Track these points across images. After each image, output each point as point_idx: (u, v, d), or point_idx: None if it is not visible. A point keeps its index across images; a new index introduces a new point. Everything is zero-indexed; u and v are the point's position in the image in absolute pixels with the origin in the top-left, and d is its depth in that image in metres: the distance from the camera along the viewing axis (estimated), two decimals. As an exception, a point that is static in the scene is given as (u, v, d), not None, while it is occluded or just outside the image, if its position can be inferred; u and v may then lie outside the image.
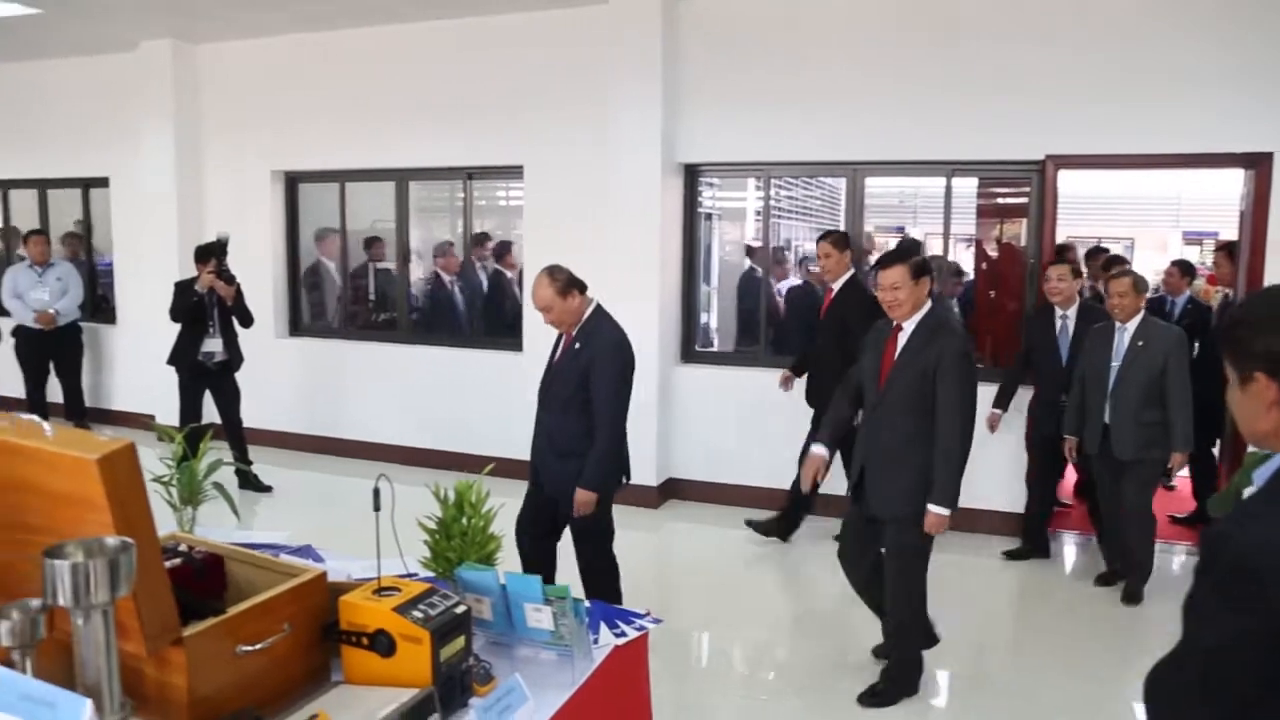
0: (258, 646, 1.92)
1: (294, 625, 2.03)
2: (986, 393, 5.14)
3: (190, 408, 6.60)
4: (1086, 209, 13.34)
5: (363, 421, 7.71)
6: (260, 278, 7.83)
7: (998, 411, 5.76)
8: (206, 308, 6.50)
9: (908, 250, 3.87)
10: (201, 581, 2.18)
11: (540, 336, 6.13)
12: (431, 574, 2.49)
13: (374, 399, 7.69)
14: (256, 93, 7.80)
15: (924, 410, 3.65)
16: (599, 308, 4.09)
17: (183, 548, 2.27)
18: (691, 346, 6.84)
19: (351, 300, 8.35)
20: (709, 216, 7.32)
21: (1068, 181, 6.64)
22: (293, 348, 8.01)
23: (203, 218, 8.12)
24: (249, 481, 6.71)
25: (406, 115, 7.23)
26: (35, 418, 1.69)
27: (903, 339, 3.73)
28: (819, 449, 3.89)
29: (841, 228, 6.44)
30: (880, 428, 3.77)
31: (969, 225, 7.38)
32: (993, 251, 7.06)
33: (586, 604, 2.42)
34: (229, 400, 6.74)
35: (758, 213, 9.87)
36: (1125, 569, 5.16)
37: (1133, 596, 5.02)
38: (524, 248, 7.08)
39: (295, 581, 2.06)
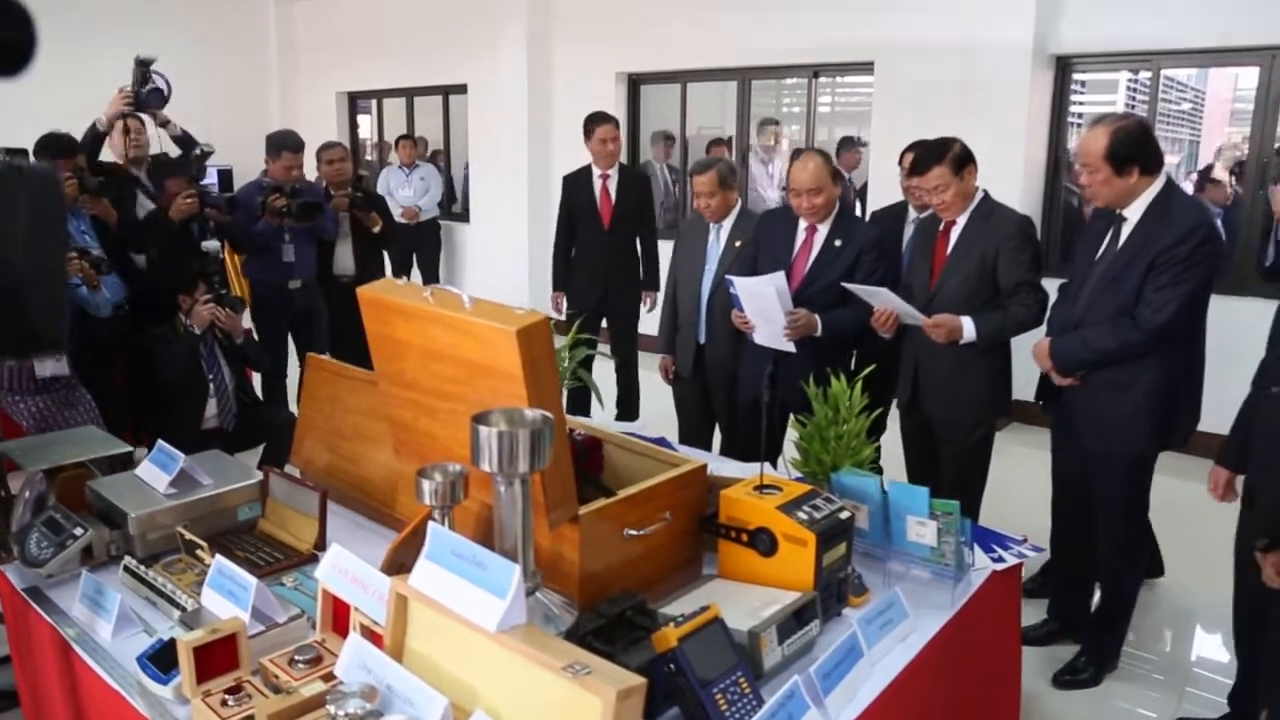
0: (643, 532, 1.91)
1: (674, 515, 2.00)
2: None
3: None
4: None
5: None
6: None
7: None
8: None
9: (941, 148, 3.52)
10: (583, 463, 2.21)
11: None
12: (799, 475, 2.41)
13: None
14: (605, -4, 7.90)
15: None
16: None
17: (563, 428, 2.31)
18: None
19: (678, 204, 8.38)
20: (1074, 124, 6.46)
21: None
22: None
23: (550, 121, 8.43)
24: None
25: (750, 8, 6.98)
26: (454, 289, 1.72)
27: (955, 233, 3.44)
28: None
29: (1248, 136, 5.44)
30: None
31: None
32: None
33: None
34: None
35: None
36: None
37: None
38: (871, 153, 6.70)
39: (677, 471, 2.03)
